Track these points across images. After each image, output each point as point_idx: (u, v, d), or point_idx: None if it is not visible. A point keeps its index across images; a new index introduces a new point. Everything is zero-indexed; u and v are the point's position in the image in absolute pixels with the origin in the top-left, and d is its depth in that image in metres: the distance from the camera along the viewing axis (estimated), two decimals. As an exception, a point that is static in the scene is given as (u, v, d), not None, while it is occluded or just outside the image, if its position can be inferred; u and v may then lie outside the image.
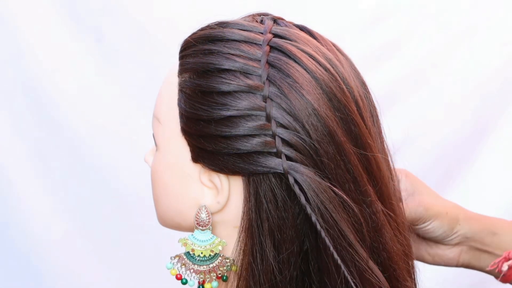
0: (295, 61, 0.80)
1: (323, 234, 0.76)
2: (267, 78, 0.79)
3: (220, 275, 0.85)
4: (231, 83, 0.79)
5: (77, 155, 1.83)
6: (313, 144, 0.78)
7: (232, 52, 0.80)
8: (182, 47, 0.85)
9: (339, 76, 0.81)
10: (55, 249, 1.83)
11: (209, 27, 0.84)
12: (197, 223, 0.84)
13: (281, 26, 0.84)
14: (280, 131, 0.78)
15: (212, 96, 0.79)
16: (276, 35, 0.82)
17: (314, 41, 0.84)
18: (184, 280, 0.86)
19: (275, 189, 0.80)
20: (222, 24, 0.84)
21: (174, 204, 0.87)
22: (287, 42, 0.82)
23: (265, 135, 0.79)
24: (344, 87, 0.81)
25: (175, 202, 0.87)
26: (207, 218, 0.84)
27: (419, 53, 1.80)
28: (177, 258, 0.86)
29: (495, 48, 1.79)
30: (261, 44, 0.81)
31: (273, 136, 0.78)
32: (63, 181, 1.84)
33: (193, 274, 0.86)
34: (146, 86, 1.74)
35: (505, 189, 1.80)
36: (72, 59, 1.80)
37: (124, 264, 1.83)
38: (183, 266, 0.86)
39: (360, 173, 0.80)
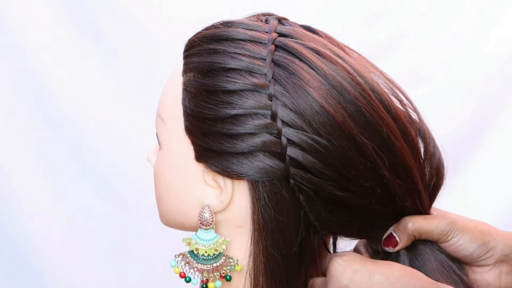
0: (301, 59, 0.80)
1: None
2: (272, 77, 0.79)
3: (223, 275, 0.85)
4: (236, 82, 0.79)
5: (78, 154, 1.83)
6: (322, 141, 0.78)
7: (238, 51, 0.81)
8: (186, 46, 0.85)
9: (352, 68, 0.81)
10: (55, 249, 1.82)
11: (214, 26, 0.85)
12: (201, 223, 0.84)
13: (286, 26, 0.85)
14: (285, 130, 0.78)
15: (218, 94, 0.80)
16: (281, 34, 0.83)
17: (321, 38, 0.84)
18: (187, 278, 0.86)
19: (281, 190, 0.80)
20: (227, 24, 0.84)
21: (177, 204, 0.87)
22: (292, 41, 0.82)
23: (271, 134, 0.79)
24: (357, 78, 0.80)
25: (178, 201, 0.87)
26: (210, 217, 0.84)
27: (416, 52, 1.79)
28: (181, 256, 0.86)
29: (493, 47, 1.77)
30: (266, 43, 0.81)
31: (279, 135, 0.79)
32: (63, 180, 1.83)
33: (197, 272, 0.86)
34: (146, 84, 1.74)
35: (505, 188, 1.79)
36: (72, 58, 1.80)
37: (125, 264, 1.83)
38: (187, 264, 0.86)
39: (377, 162, 0.80)
